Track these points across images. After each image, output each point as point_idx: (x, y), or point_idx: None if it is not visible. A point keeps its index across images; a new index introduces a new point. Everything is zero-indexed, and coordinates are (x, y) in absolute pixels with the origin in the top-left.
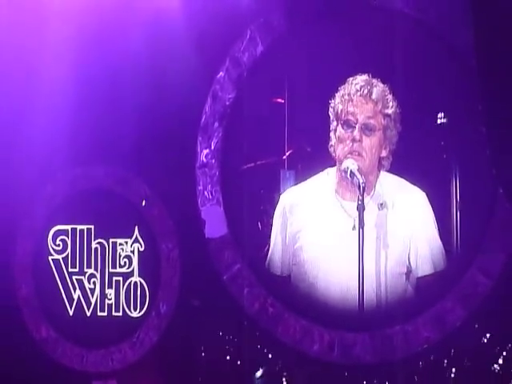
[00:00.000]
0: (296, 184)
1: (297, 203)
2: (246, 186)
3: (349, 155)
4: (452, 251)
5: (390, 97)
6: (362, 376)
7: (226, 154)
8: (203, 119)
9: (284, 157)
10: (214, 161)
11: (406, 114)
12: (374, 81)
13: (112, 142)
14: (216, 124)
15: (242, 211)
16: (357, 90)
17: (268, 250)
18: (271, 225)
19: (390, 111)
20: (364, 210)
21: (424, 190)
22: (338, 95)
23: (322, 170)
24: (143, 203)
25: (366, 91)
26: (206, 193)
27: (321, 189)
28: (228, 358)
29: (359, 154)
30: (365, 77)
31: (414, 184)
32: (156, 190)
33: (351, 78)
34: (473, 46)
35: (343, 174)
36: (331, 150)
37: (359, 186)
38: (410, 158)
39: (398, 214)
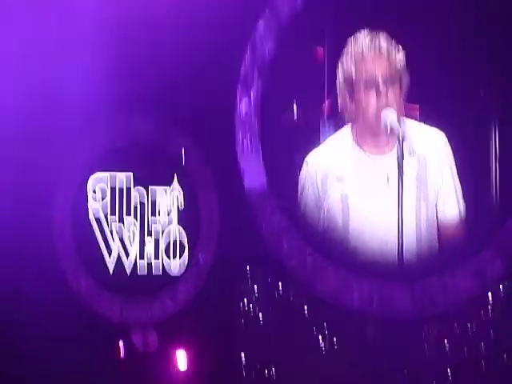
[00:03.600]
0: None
1: (326, 164)
2: (285, 135)
3: (379, 112)
4: (492, 203)
5: (394, 41)
6: (401, 328)
7: (266, 105)
8: (242, 69)
9: (323, 107)
10: (253, 112)
11: (445, 64)
12: (373, 32)
13: (151, 92)
14: (255, 75)
15: (282, 161)
16: (368, 47)
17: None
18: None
19: (400, 56)
20: (403, 159)
21: (443, 131)
22: (345, 59)
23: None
24: (182, 153)
25: (377, 43)
26: (245, 143)
27: (347, 147)
28: (267, 309)
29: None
30: (364, 31)
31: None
32: (195, 140)
33: (352, 38)
34: None
35: (382, 125)
36: (346, 115)
37: (398, 138)
38: (448, 108)
39: (429, 161)
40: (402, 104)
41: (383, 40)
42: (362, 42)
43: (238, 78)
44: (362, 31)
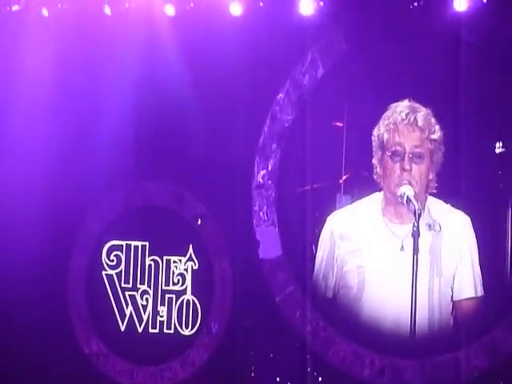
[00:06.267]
0: None
1: (345, 226)
2: (301, 208)
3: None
4: (505, 281)
5: (433, 120)
6: None
7: (283, 176)
8: (261, 140)
9: (340, 181)
10: (270, 182)
11: (464, 143)
12: (417, 106)
13: (170, 160)
14: (274, 145)
15: (297, 233)
16: (402, 119)
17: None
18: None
19: (436, 136)
20: (419, 236)
21: (469, 215)
22: (382, 124)
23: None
24: (199, 222)
25: (412, 119)
26: (261, 213)
27: (368, 212)
28: (278, 379)
29: (409, 184)
30: (407, 103)
31: (462, 210)
32: (212, 210)
33: (393, 105)
34: None
35: (399, 199)
36: (376, 177)
37: (415, 213)
38: (466, 187)
39: (446, 237)
40: (425, 181)
41: (421, 116)
42: (400, 112)
43: (256, 148)
44: (405, 101)
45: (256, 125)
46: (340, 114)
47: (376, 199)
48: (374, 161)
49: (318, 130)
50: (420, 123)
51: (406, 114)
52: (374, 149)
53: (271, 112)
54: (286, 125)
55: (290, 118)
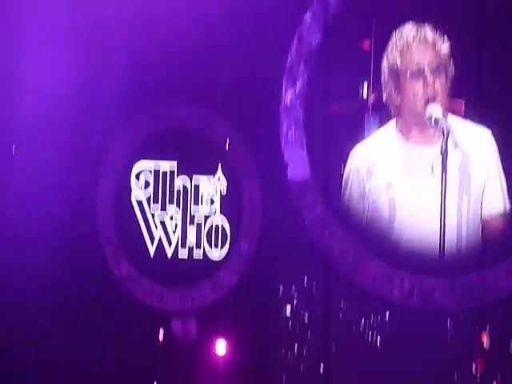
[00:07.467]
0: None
1: (371, 160)
2: (329, 129)
3: (426, 103)
4: None
5: (438, 32)
6: (441, 321)
7: (311, 97)
8: (289, 61)
9: (368, 102)
10: (298, 103)
11: (498, 68)
12: (419, 24)
13: (198, 82)
14: (301, 66)
15: (325, 154)
16: (414, 37)
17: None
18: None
19: (445, 49)
20: (447, 155)
21: (489, 129)
22: (391, 52)
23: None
24: (227, 144)
25: (422, 35)
26: (289, 135)
27: (391, 140)
28: (307, 300)
29: (434, 99)
30: (410, 24)
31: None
32: (240, 131)
33: (396, 32)
34: None
35: (427, 121)
36: (392, 110)
37: (443, 131)
38: (493, 104)
39: (473, 155)
40: (447, 94)
41: (429, 30)
42: (408, 33)
43: (284, 69)
44: (407, 23)
45: (283, 46)
46: (368, 34)
47: (393, 127)
48: (386, 95)
49: (345, 50)
50: (430, 38)
51: (416, 32)
52: (384, 83)
53: (298, 33)
54: (314, 45)
55: (317, 38)
